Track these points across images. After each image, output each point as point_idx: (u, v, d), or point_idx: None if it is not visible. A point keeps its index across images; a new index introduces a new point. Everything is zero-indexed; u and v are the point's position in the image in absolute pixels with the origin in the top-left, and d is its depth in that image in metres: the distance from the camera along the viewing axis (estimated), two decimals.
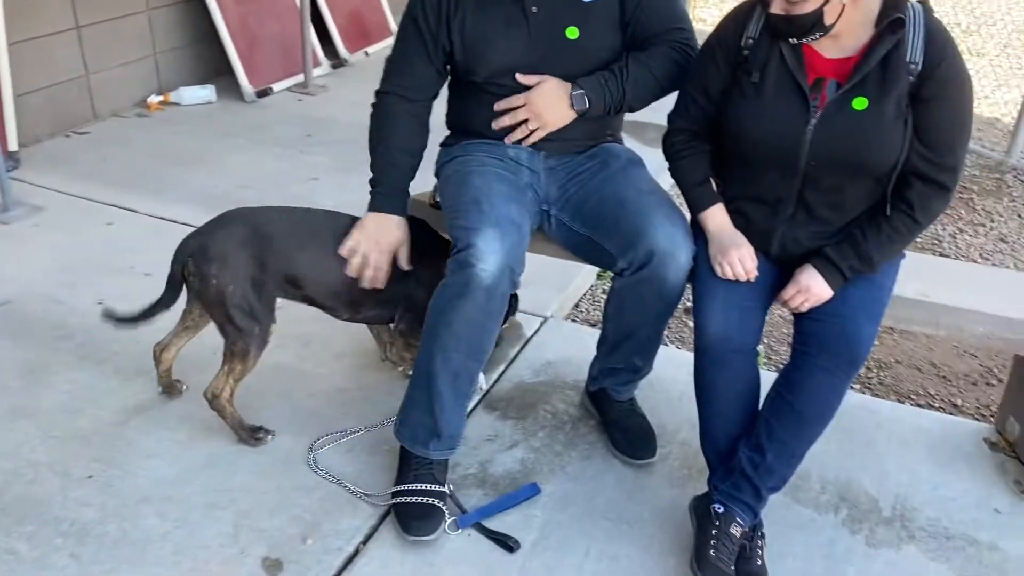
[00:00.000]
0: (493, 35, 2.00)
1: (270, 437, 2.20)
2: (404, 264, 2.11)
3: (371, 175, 2.11)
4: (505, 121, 2.04)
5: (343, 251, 2.06)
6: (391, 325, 2.29)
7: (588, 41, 2.00)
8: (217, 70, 4.77)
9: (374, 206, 2.09)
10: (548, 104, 2.00)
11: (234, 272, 2.01)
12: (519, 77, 2.02)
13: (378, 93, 2.13)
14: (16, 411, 2.27)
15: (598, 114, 2.03)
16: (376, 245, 2.06)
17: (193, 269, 2.02)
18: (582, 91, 1.99)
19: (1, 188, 3.23)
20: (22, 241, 3.11)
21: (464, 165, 2.07)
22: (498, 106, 2.04)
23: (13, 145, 3.64)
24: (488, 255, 1.82)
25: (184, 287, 2.08)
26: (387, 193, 2.09)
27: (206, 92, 4.54)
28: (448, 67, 2.12)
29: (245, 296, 2.02)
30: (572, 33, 1.98)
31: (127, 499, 2.01)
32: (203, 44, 4.70)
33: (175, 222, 3.24)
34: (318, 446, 2.17)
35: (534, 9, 1.97)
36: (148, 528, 1.94)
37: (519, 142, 2.08)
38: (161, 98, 4.47)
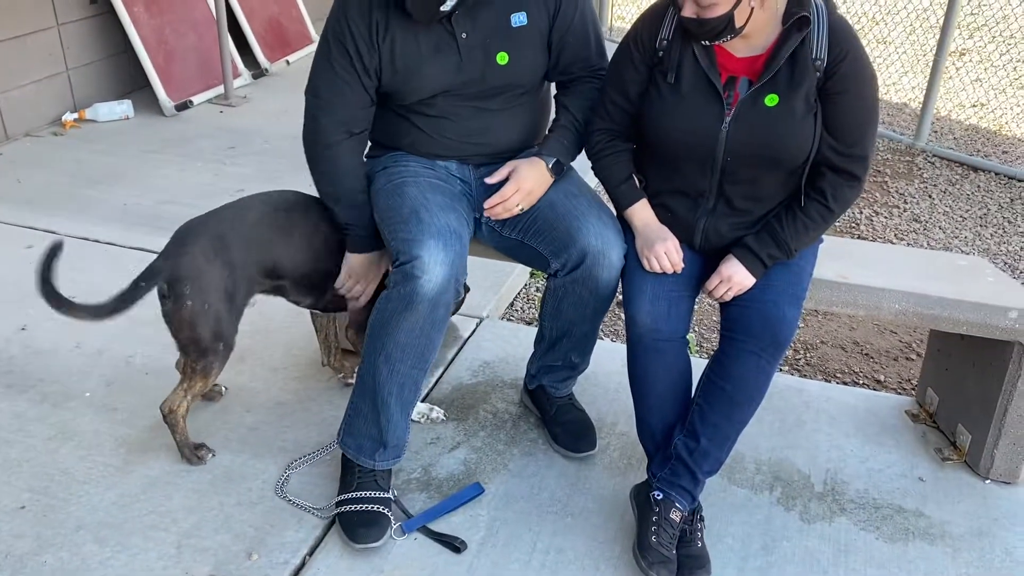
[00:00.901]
0: (422, 61, 1.97)
1: (211, 455, 2.18)
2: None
3: (339, 219, 2.10)
4: (497, 211, 2.01)
5: (338, 287, 2.17)
6: (337, 332, 2.30)
7: (517, 65, 2.02)
8: (134, 84, 4.67)
9: (354, 248, 2.12)
10: (536, 183, 2.01)
11: (208, 288, 1.96)
12: (488, 180, 2.04)
13: (316, 127, 2.04)
14: None
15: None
16: (365, 280, 2.17)
17: (167, 292, 1.96)
18: (555, 158, 2.03)
19: None
20: None
21: (396, 176, 2.06)
22: (489, 203, 2.01)
23: None
24: (433, 267, 1.83)
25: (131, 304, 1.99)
26: (361, 234, 2.10)
27: (123, 107, 4.44)
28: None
29: (218, 314, 1.98)
30: (502, 59, 2.00)
31: (63, 528, 1.97)
32: (118, 58, 4.59)
33: (98, 242, 3.17)
34: (287, 475, 2.14)
35: (463, 35, 1.96)
36: (87, 555, 1.90)
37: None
38: (76, 115, 4.36)
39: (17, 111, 4.14)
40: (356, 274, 2.15)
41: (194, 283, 1.95)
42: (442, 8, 1.89)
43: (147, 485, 2.10)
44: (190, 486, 2.10)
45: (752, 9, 1.73)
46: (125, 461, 2.17)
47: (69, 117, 4.33)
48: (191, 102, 4.61)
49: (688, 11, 1.74)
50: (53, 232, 3.27)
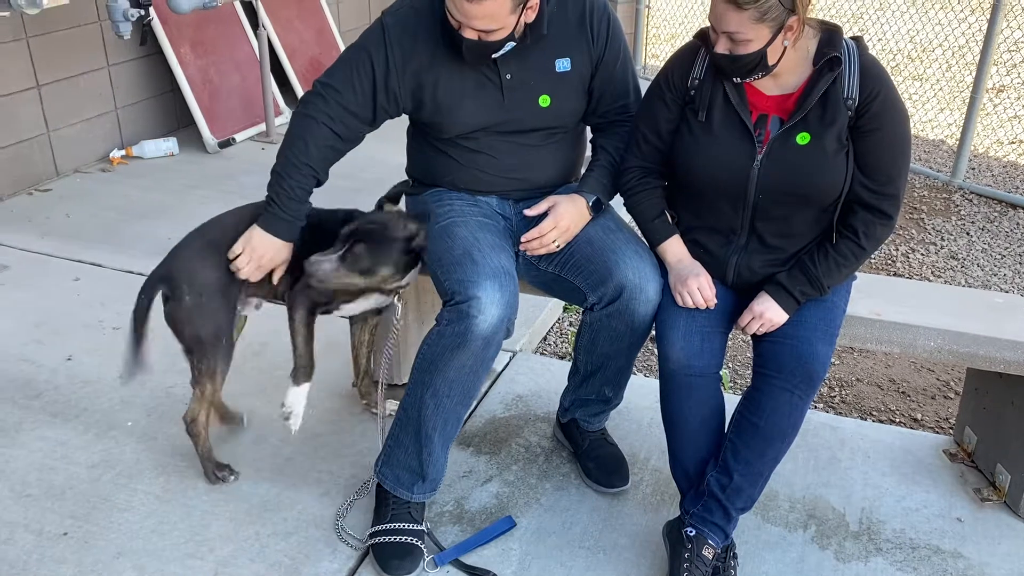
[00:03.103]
0: (464, 96, 2.02)
1: (232, 478, 2.24)
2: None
3: (273, 192, 2.05)
4: (534, 246, 2.03)
5: (230, 253, 2.06)
6: (369, 357, 2.38)
7: (558, 108, 2.06)
8: (179, 122, 4.81)
9: (269, 227, 2.04)
10: (573, 220, 2.04)
11: (204, 286, 2.06)
12: (527, 212, 2.07)
13: (308, 98, 2.04)
14: None
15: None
16: (257, 262, 2.05)
17: (168, 293, 2.08)
18: (595, 197, 2.06)
19: None
20: None
21: (443, 216, 2.08)
22: (526, 237, 2.03)
23: None
24: (488, 307, 1.86)
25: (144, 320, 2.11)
26: (286, 218, 2.04)
27: (169, 144, 4.57)
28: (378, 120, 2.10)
29: (216, 310, 2.07)
30: (544, 101, 2.04)
31: (103, 554, 2.01)
32: (164, 97, 4.74)
33: (142, 275, 3.22)
34: (342, 512, 2.15)
35: (508, 76, 2.00)
36: None
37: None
38: (124, 152, 4.49)
39: (68, 148, 4.28)
40: (254, 252, 2.04)
41: (190, 282, 2.05)
42: (493, 55, 1.94)
43: (185, 514, 2.14)
44: (227, 515, 2.13)
45: (785, 48, 1.76)
46: (164, 489, 2.21)
47: (117, 154, 4.46)
48: (234, 139, 4.73)
49: (721, 47, 1.77)
50: (100, 265, 3.36)
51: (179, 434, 2.28)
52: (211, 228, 2.15)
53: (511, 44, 1.92)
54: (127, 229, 3.71)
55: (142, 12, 3.72)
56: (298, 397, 2.14)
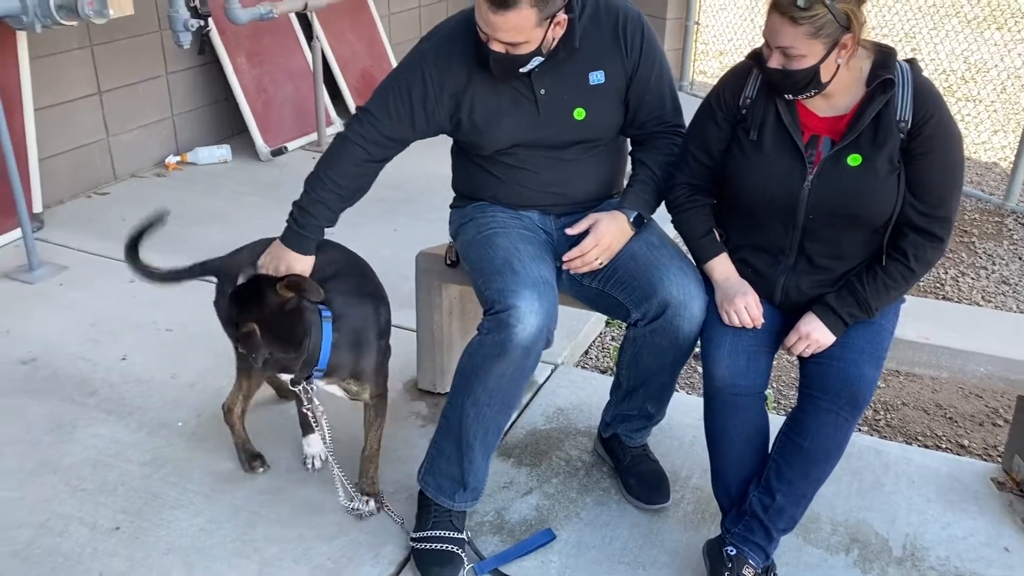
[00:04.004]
0: (501, 114, 2.05)
1: (262, 469, 2.32)
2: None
3: (294, 205, 2.11)
4: (576, 264, 2.05)
5: (259, 261, 2.13)
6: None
7: (593, 121, 2.08)
8: (233, 130, 4.92)
9: (283, 237, 2.10)
10: (615, 237, 2.05)
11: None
12: (568, 231, 2.08)
13: (347, 125, 2.12)
14: (45, 465, 2.33)
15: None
16: (274, 268, 2.09)
17: (218, 285, 2.18)
18: (637, 212, 2.07)
19: (27, 248, 3.34)
20: (47, 299, 3.20)
21: (485, 227, 2.13)
22: (568, 256, 2.05)
23: (38, 207, 3.76)
24: (528, 316, 1.88)
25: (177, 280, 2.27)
26: (296, 230, 2.09)
27: (222, 151, 4.67)
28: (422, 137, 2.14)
29: None
30: (579, 114, 2.06)
31: (153, 550, 2.07)
32: (219, 105, 4.85)
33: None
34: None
35: (542, 91, 2.03)
36: (181, 573, 1.99)
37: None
38: (179, 158, 4.60)
39: (125, 153, 4.40)
40: (271, 258, 2.10)
41: (234, 280, 2.07)
42: (521, 70, 1.97)
43: (232, 513, 2.18)
44: (273, 517, 2.17)
45: (838, 66, 1.76)
46: (212, 489, 2.27)
47: (172, 160, 4.57)
48: (286, 148, 4.82)
49: (774, 62, 1.78)
50: (155, 268, 3.44)
51: (228, 435, 2.34)
52: (266, 242, 2.21)
53: (539, 59, 1.94)
54: (181, 233, 3.80)
55: (201, 22, 3.81)
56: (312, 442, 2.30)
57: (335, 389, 2.10)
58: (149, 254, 3.62)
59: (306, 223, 2.09)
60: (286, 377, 2.03)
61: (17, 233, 3.47)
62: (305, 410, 2.09)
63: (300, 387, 2.03)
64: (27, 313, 3.10)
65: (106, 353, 2.86)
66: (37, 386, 2.68)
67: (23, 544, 2.07)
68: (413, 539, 2.05)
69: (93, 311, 3.11)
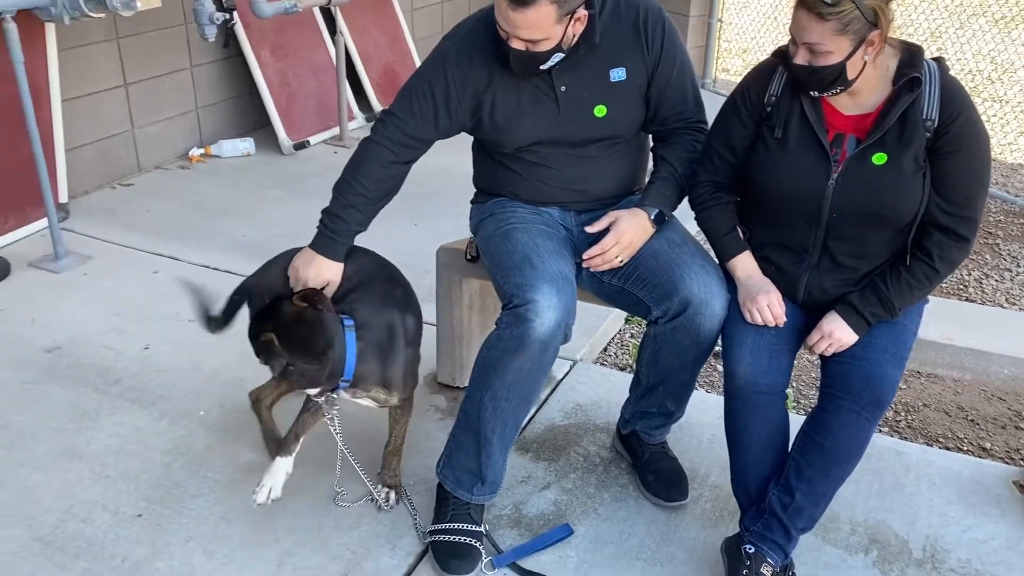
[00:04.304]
0: (521, 112, 2.05)
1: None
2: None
3: (331, 213, 2.10)
4: (596, 262, 2.05)
5: (289, 271, 2.11)
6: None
7: (614, 117, 2.07)
8: (256, 123, 4.95)
9: (312, 243, 2.10)
10: (636, 235, 2.04)
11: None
12: (588, 229, 2.07)
13: (373, 128, 2.13)
14: (69, 452, 2.36)
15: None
16: (301, 280, 2.08)
17: (249, 302, 2.14)
18: (658, 210, 2.06)
19: (53, 238, 3.37)
20: (72, 289, 3.23)
21: (504, 222, 2.13)
22: (589, 253, 2.05)
23: (64, 197, 3.80)
24: (546, 311, 1.89)
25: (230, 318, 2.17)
26: (325, 233, 2.09)
27: (245, 145, 4.70)
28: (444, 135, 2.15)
29: None
30: (600, 111, 2.06)
31: (175, 538, 2.09)
32: (243, 99, 4.88)
33: (217, 270, 3.36)
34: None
35: (563, 88, 2.03)
36: (196, 566, 2.01)
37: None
38: (202, 151, 4.64)
39: (150, 145, 4.44)
40: (296, 269, 2.09)
41: (262, 296, 2.07)
42: (541, 67, 1.97)
43: (252, 503, 2.20)
44: (292, 507, 2.19)
45: (865, 63, 1.75)
46: (233, 479, 2.29)
47: (196, 152, 4.60)
48: (308, 142, 4.84)
49: (800, 59, 1.77)
50: (177, 259, 3.48)
51: (249, 425, 2.36)
52: (295, 253, 2.17)
53: (559, 55, 1.94)
54: (204, 225, 3.84)
55: (227, 16, 3.83)
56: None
57: (364, 400, 2.06)
58: (174, 246, 3.66)
59: (337, 228, 2.09)
60: (313, 391, 1.98)
61: (43, 223, 3.51)
62: (325, 418, 2.06)
63: (324, 398, 2.00)
64: (53, 302, 3.13)
65: (129, 342, 2.89)
66: (62, 374, 2.72)
67: (48, 529, 2.10)
68: (431, 531, 2.06)
69: (117, 301, 3.15)
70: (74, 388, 2.64)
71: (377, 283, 2.11)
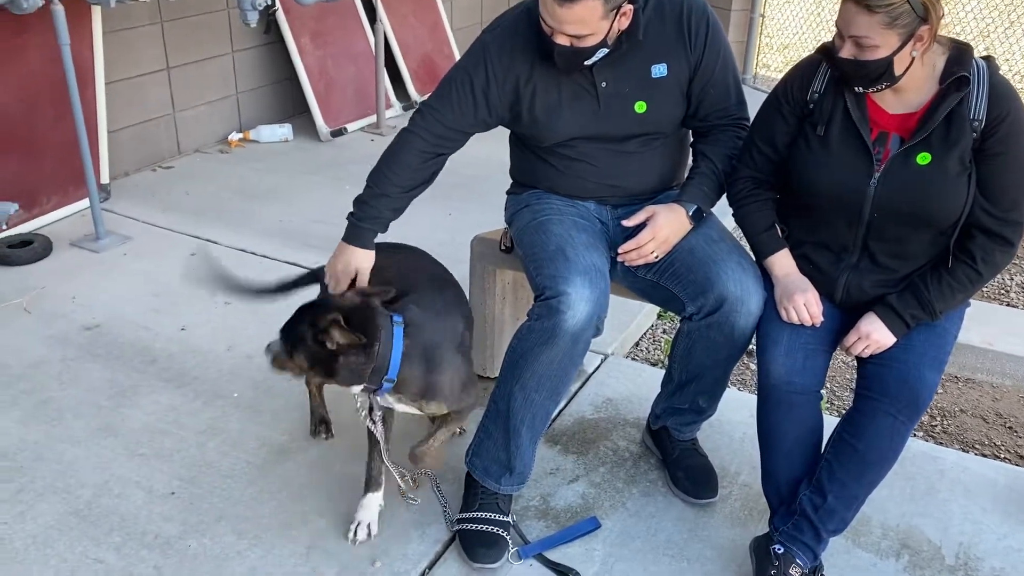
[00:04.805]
0: (561, 107, 2.04)
1: (324, 436, 2.38)
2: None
3: (361, 200, 2.09)
4: (632, 256, 2.02)
5: (328, 276, 2.11)
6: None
7: (654, 114, 2.05)
8: (295, 110, 4.99)
9: (352, 238, 2.07)
10: (673, 231, 2.02)
11: None
12: (625, 223, 2.05)
13: (411, 120, 2.12)
14: (106, 429, 2.41)
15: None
16: (336, 272, 2.08)
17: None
18: (696, 206, 2.04)
19: (94, 218, 3.43)
20: (112, 268, 3.29)
21: (540, 214, 2.13)
22: (624, 248, 2.02)
23: (105, 178, 3.86)
24: (578, 303, 1.88)
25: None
26: (367, 227, 2.07)
27: (284, 131, 4.74)
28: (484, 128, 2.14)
29: None
30: (640, 107, 2.04)
31: (207, 516, 2.12)
32: (282, 85, 4.92)
33: (254, 253, 3.40)
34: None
35: (603, 84, 2.01)
36: (226, 545, 2.04)
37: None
38: (241, 135, 4.68)
39: (190, 129, 4.50)
40: (330, 263, 2.09)
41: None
42: (586, 62, 1.96)
43: (283, 485, 2.23)
44: (323, 490, 2.21)
45: (912, 59, 1.72)
46: (265, 461, 2.32)
47: (235, 137, 4.65)
48: (345, 129, 4.87)
49: (846, 52, 1.73)
50: (215, 242, 3.52)
51: (282, 408, 2.39)
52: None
53: (604, 51, 1.93)
54: (241, 209, 3.88)
55: (269, 2, 3.86)
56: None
57: (407, 408, 1.98)
58: (212, 229, 3.70)
59: (365, 215, 2.08)
60: (356, 389, 1.90)
61: (85, 203, 3.57)
62: (368, 423, 2.02)
63: (367, 397, 1.95)
64: (93, 281, 3.19)
65: (166, 323, 2.93)
66: (100, 351, 2.76)
67: (84, 503, 2.14)
68: (459, 520, 2.07)
69: (155, 282, 3.19)
70: (112, 366, 2.69)
71: (429, 284, 2.06)
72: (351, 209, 2.11)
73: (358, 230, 2.08)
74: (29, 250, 3.31)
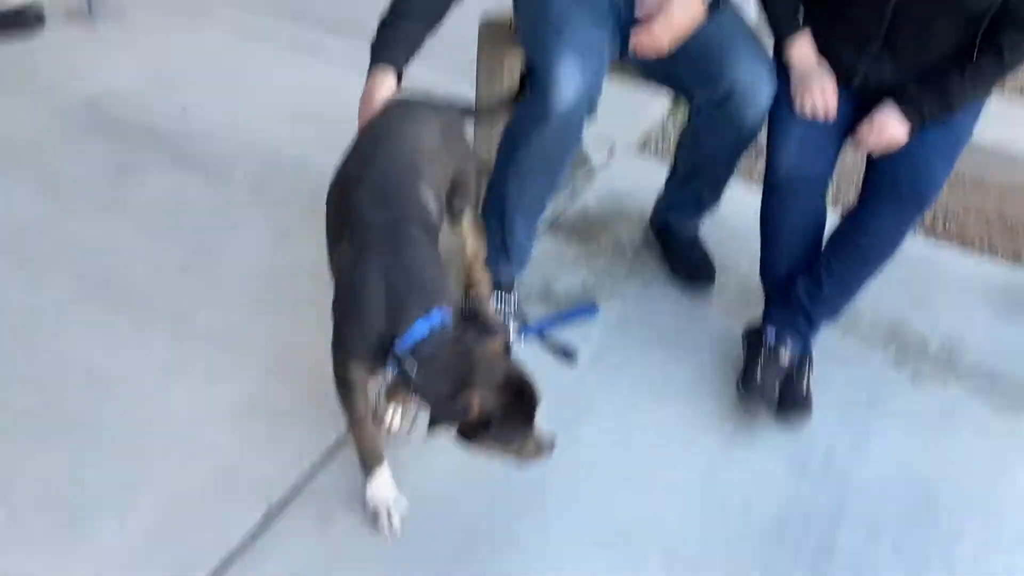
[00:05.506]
0: None
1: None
2: None
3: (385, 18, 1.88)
4: (644, 41, 1.89)
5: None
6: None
7: None
8: None
9: (376, 58, 1.86)
10: (689, 20, 1.89)
11: None
12: (638, 14, 1.93)
13: None
14: (113, 204, 2.43)
15: None
16: (366, 112, 1.83)
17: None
18: None
19: None
20: (109, 44, 3.19)
21: None
22: (636, 35, 1.92)
23: None
24: (566, 80, 1.81)
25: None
26: (392, 54, 1.86)
27: None
28: None
29: None
30: None
31: (215, 292, 2.17)
32: None
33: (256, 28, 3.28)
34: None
35: None
36: (235, 320, 2.09)
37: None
38: None
39: None
40: (362, 107, 1.84)
41: None
42: None
43: (296, 270, 2.21)
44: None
45: None
46: (272, 238, 2.33)
47: None
48: None
49: None
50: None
51: (289, 192, 2.39)
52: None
53: None
54: None
55: None
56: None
57: None
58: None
59: (379, 34, 1.86)
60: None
61: None
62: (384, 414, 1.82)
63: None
64: (90, 56, 3.10)
65: (167, 100, 2.88)
66: (101, 129, 2.73)
67: (96, 277, 2.18)
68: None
69: (155, 59, 3.11)
70: (113, 143, 2.67)
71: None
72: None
73: (373, 50, 1.87)
74: (22, 17, 3.18)
